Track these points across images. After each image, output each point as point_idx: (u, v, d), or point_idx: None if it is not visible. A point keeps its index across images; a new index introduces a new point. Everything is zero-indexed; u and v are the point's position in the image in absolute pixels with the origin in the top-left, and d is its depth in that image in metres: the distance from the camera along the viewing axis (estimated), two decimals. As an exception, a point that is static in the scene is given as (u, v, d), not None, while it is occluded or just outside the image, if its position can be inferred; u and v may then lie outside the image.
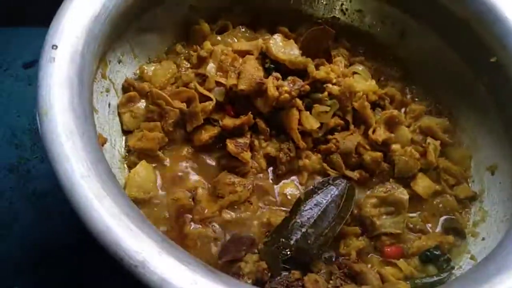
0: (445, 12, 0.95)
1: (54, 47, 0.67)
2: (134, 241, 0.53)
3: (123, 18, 0.84)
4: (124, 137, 0.90)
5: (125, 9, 0.83)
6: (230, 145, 0.86)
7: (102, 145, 0.75)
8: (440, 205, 0.90)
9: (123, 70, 0.94)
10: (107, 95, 0.89)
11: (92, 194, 0.55)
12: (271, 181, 0.90)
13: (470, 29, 0.92)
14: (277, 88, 0.88)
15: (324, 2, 1.11)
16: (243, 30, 1.05)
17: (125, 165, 0.87)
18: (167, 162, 0.88)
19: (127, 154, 0.88)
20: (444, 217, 0.89)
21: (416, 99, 1.04)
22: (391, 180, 0.90)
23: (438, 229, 0.88)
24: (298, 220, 0.82)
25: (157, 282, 0.50)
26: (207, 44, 0.98)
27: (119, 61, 0.93)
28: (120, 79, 0.93)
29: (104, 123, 0.86)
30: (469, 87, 0.98)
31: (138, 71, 0.96)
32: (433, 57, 1.04)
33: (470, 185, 0.93)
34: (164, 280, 0.50)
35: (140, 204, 0.82)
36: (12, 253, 0.88)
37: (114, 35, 0.86)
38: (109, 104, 0.89)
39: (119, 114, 0.90)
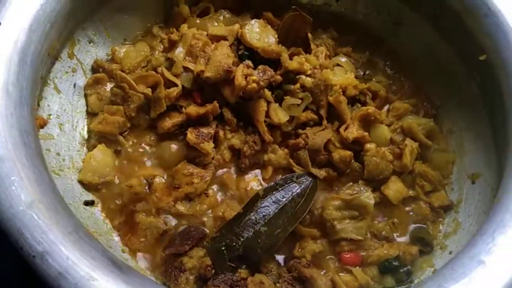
0: (439, 3, 0.87)
1: (-3, 23, 0.65)
2: (39, 230, 0.51)
3: (89, -3, 0.82)
4: (88, 119, 0.88)
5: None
6: (190, 135, 0.83)
7: (41, 127, 0.74)
8: (412, 213, 0.84)
9: (94, 50, 0.92)
10: (73, 75, 0.87)
11: (4, 176, 0.53)
12: (233, 174, 0.86)
13: (463, 23, 0.84)
14: (246, 77, 0.84)
15: (315, -13, 1.05)
16: (226, 14, 1.00)
17: (85, 148, 0.85)
18: (128, 147, 0.86)
19: (88, 137, 0.86)
20: (414, 225, 0.83)
21: (404, 97, 0.96)
22: (360, 182, 0.84)
23: (406, 238, 0.82)
24: (253, 217, 0.78)
25: (53, 276, 0.48)
26: (184, 28, 0.94)
27: (90, 41, 0.91)
28: (90, 59, 0.91)
29: (66, 104, 0.85)
30: (461, 87, 0.90)
31: (110, 52, 0.93)
32: (427, 51, 0.96)
33: (448, 193, 0.86)
34: (61, 274, 0.49)
35: (94, 189, 0.81)
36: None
37: (81, 14, 0.85)
38: (74, 85, 0.87)
39: (85, 96, 0.89)
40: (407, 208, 0.84)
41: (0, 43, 0.64)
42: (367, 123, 0.87)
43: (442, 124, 0.93)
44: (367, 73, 0.98)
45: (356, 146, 0.86)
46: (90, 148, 0.84)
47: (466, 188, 0.84)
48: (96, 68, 0.91)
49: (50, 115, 0.81)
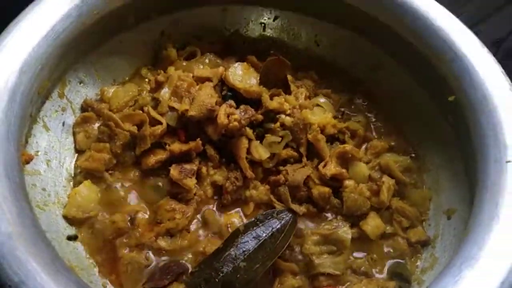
0: (410, 48, 0.93)
1: (-10, 64, 0.69)
2: (16, 261, 0.53)
3: (80, 42, 0.87)
4: (75, 156, 0.91)
5: (81, 34, 0.85)
6: (174, 171, 0.85)
7: (27, 163, 0.76)
8: (390, 248, 0.85)
9: (84, 91, 0.96)
10: (62, 114, 0.91)
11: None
12: (215, 210, 0.88)
13: (433, 66, 0.89)
14: (228, 116, 0.87)
15: (298, 33, 1.11)
16: (211, 57, 1.05)
17: (71, 184, 0.87)
18: (113, 183, 0.88)
19: (75, 173, 0.89)
20: (392, 261, 0.84)
21: (382, 136, 1.00)
22: (339, 217, 0.86)
23: (384, 274, 0.83)
24: (233, 252, 0.79)
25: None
26: (171, 69, 0.99)
27: (80, 82, 0.95)
28: (80, 99, 0.95)
29: (54, 141, 0.88)
30: (436, 126, 0.94)
31: (99, 92, 0.97)
32: (403, 93, 1.01)
33: (425, 229, 0.88)
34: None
35: (77, 224, 0.83)
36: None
37: (72, 57, 0.89)
38: (63, 123, 0.91)
39: (74, 133, 0.92)
40: (385, 244, 0.86)
41: (-8, 82, 0.67)
42: (345, 160, 0.90)
43: (419, 162, 0.96)
44: (346, 113, 1.02)
45: (335, 183, 0.89)
46: (76, 184, 0.87)
47: (442, 223, 0.86)
48: (85, 107, 0.94)
49: (38, 151, 0.83)
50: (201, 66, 1.03)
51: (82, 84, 0.95)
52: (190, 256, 0.82)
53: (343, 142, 0.95)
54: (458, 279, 0.59)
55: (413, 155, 0.98)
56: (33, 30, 0.76)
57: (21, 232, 0.56)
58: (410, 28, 0.91)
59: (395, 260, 0.84)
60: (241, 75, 0.94)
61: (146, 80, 1.01)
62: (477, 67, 0.80)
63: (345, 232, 0.82)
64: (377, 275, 0.83)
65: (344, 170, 0.88)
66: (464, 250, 0.63)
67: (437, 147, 0.94)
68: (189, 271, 0.79)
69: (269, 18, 1.10)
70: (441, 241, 0.84)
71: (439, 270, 0.79)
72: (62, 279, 0.54)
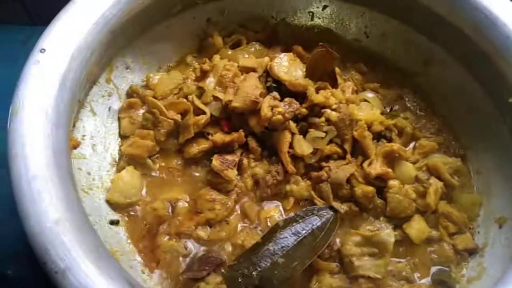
0: (470, 43, 0.87)
1: (42, 50, 0.70)
2: (63, 247, 0.54)
3: (128, 27, 0.87)
4: (120, 141, 0.92)
5: (130, 20, 0.85)
6: (215, 161, 0.85)
7: (74, 148, 0.78)
8: (434, 254, 0.82)
9: (130, 76, 0.97)
10: (108, 99, 0.92)
11: (36, 193, 0.57)
12: (254, 203, 0.87)
13: (493, 64, 0.83)
14: (272, 108, 0.86)
15: (347, 23, 1.07)
16: (257, 46, 1.03)
17: (115, 169, 0.89)
18: (155, 170, 0.89)
19: (119, 158, 0.90)
20: (437, 267, 0.81)
21: (431, 135, 0.95)
22: (382, 218, 0.84)
23: (427, 279, 0.80)
24: (271, 248, 0.78)
25: (73, 293, 0.50)
26: (216, 58, 0.98)
27: (127, 67, 0.95)
28: (126, 84, 0.96)
29: (100, 126, 0.89)
30: (491, 127, 0.89)
31: (145, 79, 0.98)
32: (457, 90, 0.96)
33: (474, 236, 0.84)
34: (81, 292, 0.50)
35: (120, 209, 0.84)
36: (7, 239, 0.92)
37: (120, 42, 0.89)
38: (109, 108, 0.92)
39: (119, 119, 0.93)
40: (429, 249, 0.82)
41: (43, 69, 0.69)
42: (391, 159, 0.87)
43: (469, 164, 0.91)
44: (394, 109, 0.98)
45: (379, 182, 0.86)
46: (119, 169, 0.88)
47: (493, 232, 0.82)
48: (130, 93, 0.95)
49: (84, 136, 0.85)
50: (246, 55, 1.01)
51: (128, 70, 0.96)
52: (228, 248, 0.82)
53: (389, 140, 0.92)
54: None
55: (463, 156, 0.93)
56: (83, 17, 0.76)
57: (68, 218, 0.57)
58: (470, 22, 0.85)
59: (439, 267, 0.81)
60: (287, 66, 0.92)
61: (191, 68, 1.01)
62: (543, 67, 0.74)
63: (388, 234, 0.79)
64: (419, 281, 0.80)
65: (390, 170, 0.85)
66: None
67: (490, 149, 0.89)
68: (227, 263, 0.79)
69: (317, 7, 1.06)
70: (490, 251, 0.80)
71: (487, 281, 0.76)
72: (105, 266, 0.55)
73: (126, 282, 0.54)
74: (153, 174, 0.89)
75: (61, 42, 0.72)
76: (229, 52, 1.01)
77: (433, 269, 0.81)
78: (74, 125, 0.81)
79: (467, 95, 0.93)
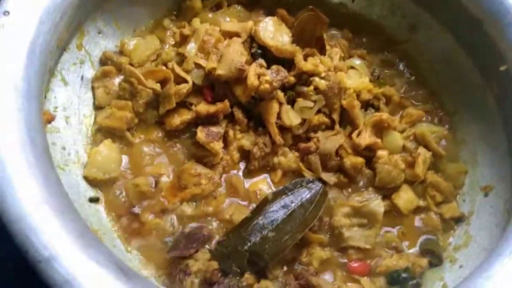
0: (460, 9, 0.85)
1: (6, 13, 0.63)
2: (46, 234, 0.49)
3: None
4: (95, 113, 0.86)
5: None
6: (200, 133, 0.81)
7: (48, 123, 0.72)
8: (422, 223, 0.82)
9: (103, 42, 0.89)
10: (80, 67, 0.85)
11: (10, 175, 0.51)
12: (241, 176, 0.84)
13: (484, 31, 0.82)
14: (258, 77, 0.82)
15: (332, -14, 1.02)
16: (239, 9, 0.98)
17: (91, 143, 0.83)
18: (135, 143, 0.84)
19: (95, 131, 0.84)
20: (424, 236, 0.82)
21: (418, 102, 0.94)
22: (370, 188, 0.83)
23: (415, 249, 0.81)
24: (261, 221, 0.76)
25: (59, 283, 0.46)
26: (195, 22, 0.92)
27: (99, 32, 0.88)
28: (99, 51, 0.89)
29: (73, 97, 0.83)
30: (478, 95, 0.88)
31: (119, 44, 0.91)
32: (443, 57, 0.94)
33: (459, 204, 0.84)
34: (67, 282, 0.47)
35: (99, 186, 0.79)
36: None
37: (91, 5, 0.82)
38: (82, 77, 0.85)
39: (93, 88, 0.86)
40: (417, 218, 0.83)
41: (9, 35, 0.61)
42: (379, 129, 0.85)
43: (455, 133, 0.91)
44: (381, 76, 0.96)
45: (368, 153, 0.84)
46: (96, 142, 0.82)
47: (478, 200, 0.83)
48: (104, 60, 0.88)
49: (56, 107, 0.79)
50: (228, 19, 0.95)
51: (101, 35, 0.88)
52: (216, 223, 0.79)
53: (377, 108, 0.90)
54: (509, 268, 0.56)
55: (448, 125, 0.93)
56: (51, -25, 0.68)
57: (48, 201, 0.52)
58: (461, -14, 0.83)
59: (427, 236, 0.82)
60: (273, 31, 0.87)
61: (169, 32, 0.94)
62: (537, 35, 0.73)
63: (378, 205, 0.79)
64: (408, 250, 0.80)
65: (379, 140, 0.84)
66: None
67: (476, 118, 0.89)
68: (215, 239, 0.77)
69: (302, -32, 1.00)
70: (476, 219, 0.81)
71: (474, 249, 0.77)
72: (94, 253, 0.51)
73: (116, 268, 0.51)
74: (133, 147, 0.83)
75: (28, 3, 0.65)
76: (210, 15, 0.95)
77: (421, 238, 0.82)
78: (45, 96, 0.74)
79: (454, 63, 0.92)
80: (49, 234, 0.50)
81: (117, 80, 0.87)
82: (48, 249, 0.48)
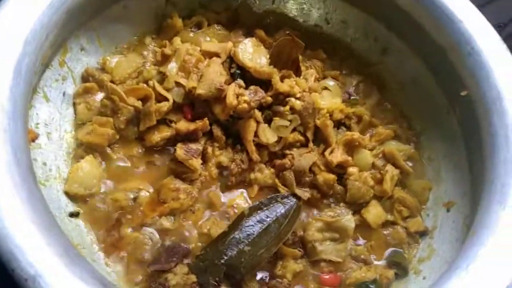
0: (427, 36, 0.91)
1: (-8, 34, 0.64)
2: (32, 252, 0.51)
3: (85, 7, 0.82)
4: (76, 129, 0.87)
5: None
6: (180, 151, 0.84)
7: (33, 141, 0.74)
8: (389, 237, 0.87)
9: (85, 59, 0.91)
10: (62, 83, 0.87)
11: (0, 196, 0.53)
12: (219, 191, 0.87)
13: (447, 58, 0.88)
14: (237, 96, 0.85)
15: (308, 9, 1.07)
16: (218, 28, 1.01)
17: (72, 158, 0.84)
18: (115, 159, 0.86)
19: (76, 146, 0.86)
20: (391, 249, 0.86)
21: (387, 122, 1.00)
22: (342, 204, 0.87)
23: (383, 261, 0.85)
24: (237, 236, 0.79)
25: (45, 301, 0.48)
26: (176, 40, 0.95)
27: (82, 49, 0.90)
28: (81, 67, 0.91)
29: (54, 113, 0.84)
30: (443, 117, 0.94)
31: (101, 61, 0.93)
32: (412, 79, 1.00)
33: (423, 219, 0.90)
34: (53, 300, 0.49)
35: (79, 201, 0.81)
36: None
37: (75, 24, 0.84)
38: (64, 93, 0.87)
39: (74, 105, 0.88)
40: (384, 232, 0.88)
41: (-5, 54, 0.63)
42: (351, 147, 0.90)
43: (421, 152, 0.97)
44: (353, 97, 1.01)
45: (339, 169, 0.89)
46: (77, 158, 0.84)
47: (441, 215, 0.88)
48: (86, 76, 0.90)
49: (38, 124, 0.80)
50: (208, 38, 0.99)
51: (83, 52, 0.90)
52: (193, 237, 0.82)
53: (348, 127, 0.95)
54: (466, 280, 0.61)
55: (415, 143, 0.98)
56: (36, -4, 0.70)
57: (33, 219, 0.54)
58: (428, 16, 0.89)
59: (393, 249, 0.86)
60: (251, 53, 0.91)
61: (150, 50, 0.97)
62: (494, 65, 0.79)
63: (349, 220, 0.83)
64: (376, 262, 0.85)
65: (349, 158, 0.88)
66: (470, 250, 0.65)
67: (441, 138, 0.95)
68: (193, 253, 0.79)
69: (279, -9, 1.05)
70: (439, 233, 0.86)
71: (436, 262, 0.82)
72: (78, 269, 0.53)
73: (99, 284, 0.53)
74: (113, 163, 0.86)
75: (13, 25, 0.67)
76: (191, 34, 0.99)
77: (388, 250, 0.86)
78: (27, 113, 0.76)
79: (422, 85, 0.97)
80: (35, 252, 0.51)
81: (99, 96, 0.89)
82: (33, 267, 0.50)
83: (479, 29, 0.82)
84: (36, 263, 0.51)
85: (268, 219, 0.82)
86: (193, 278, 0.75)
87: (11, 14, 0.67)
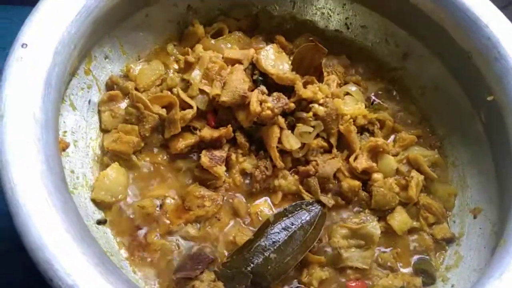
0: (450, 41, 0.90)
1: (24, 45, 0.65)
2: (68, 261, 0.52)
3: (109, 17, 0.82)
4: (101, 136, 0.88)
5: (111, 9, 0.81)
6: (204, 158, 0.84)
7: (63, 150, 0.74)
8: (415, 244, 0.86)
9: (109, 67, 0.92)
10: (88, 92, 0.88)
11: (32, 204, 0.54)
12: (243, 198, 0.87)
13: (472, 63, 0.87)
14: (260, 103, 0.85)
15: (328, 14, 1.07)
16: (239, 35, 1.02)
17: (98, 166, 0.85)
18: (141, 167, 0.86)
19: (101, 154, 0.86)
20: (417, 256, 0.86)
21: (410, 127, 0.99)
22: (367, 210, 0.87)
23: (409, 268, 0.85)
24: (263, 243, 0.79)
25: (82, 309, 0.49)
26: (198, 48, 0.95)
27: (106, 57, 0.91)
28: (105, 75, 0.91)
29: (80, 121, 0.85)
30: (466, 121, 0.93)
31: (124, 69, 0.94)
32: (434, 84, 0.99)
33: (450, 225, 0.89)
34: (90, 308, 0.49)
35: (106, 208, 0.82)
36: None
37: (100, 32, 0.85)
38: (89, 101, 0.88)
39: (99, 112, 0.89)
40: (410, 239, 0.87)
41: (27, 67, 0.64)
42: (375, 153, 0.90)
43: (445, 157, 0.96)
44: (375, 101, 1.00)
45: (364, 176, 0.88)
46: (103, 166, 0.85)
47: (468, 222, 0.87)
48: (110, 84, 0.91)
49: (65, 132, 0.81)
50: (229, 45, 0.99)
51: (107, 60, 0.91)
52: (219, 244, 0.82)
53: (372, 133, 0.94)
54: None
55: (439, 149, 0.98)
56: (65, 7, 0.71)
57: (68, 229, 0.55)
58: (451, 20, 0.88)
59: (420, 256, 0.86)
60: (274, 59, 0.91)
61: (172, 57, 0.97)
62: (521, 69, 0.79)
63: (374, 227, 0.82)
64: (402, 270, 0.84)
65: (374, 164, 0.88)
66: (504, 259, 0.64)
67: (465, 143, 0.94)
68: (219, 260, 0.80)
69: (299, -4, 1.05)
70: (466, 240, 0.85)
71: (464, 269, 0.81)
72: (112, 278, 0.53)
73: (134, 293, 0.53)
74: (139, 170, 0.86)
75: (44, 35, 0.68)
76: (212, 41, 0.99)
77: (414, 258, 0.86)
78: (55, 122, 0.77)
79: (444, 90, 0.97)
80: (71, 262, 0.52)
81: (123, 104, 0.90)
82: (70, 276, 0.51)
83: (505, 33, 0.81)
84: (73, 273, 0.51)
85: (293, 226, 0.82)
86: (220, 285, 0.75)
87: (40, 25, 0.67)
